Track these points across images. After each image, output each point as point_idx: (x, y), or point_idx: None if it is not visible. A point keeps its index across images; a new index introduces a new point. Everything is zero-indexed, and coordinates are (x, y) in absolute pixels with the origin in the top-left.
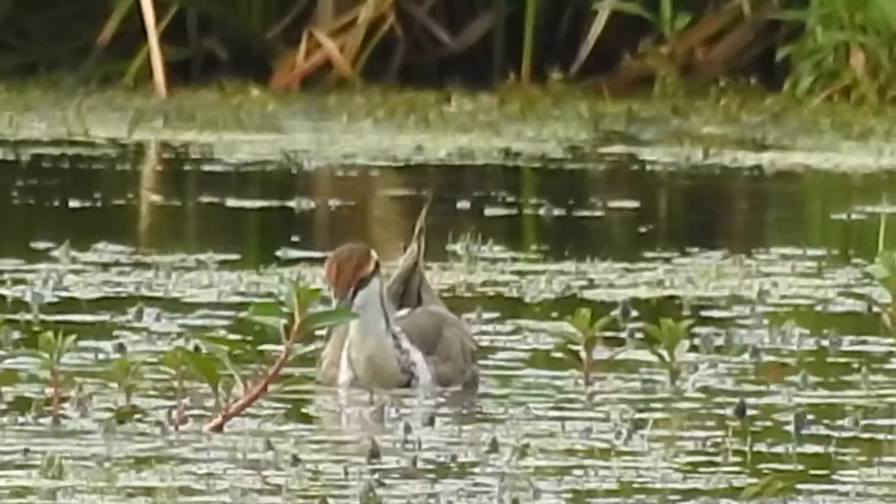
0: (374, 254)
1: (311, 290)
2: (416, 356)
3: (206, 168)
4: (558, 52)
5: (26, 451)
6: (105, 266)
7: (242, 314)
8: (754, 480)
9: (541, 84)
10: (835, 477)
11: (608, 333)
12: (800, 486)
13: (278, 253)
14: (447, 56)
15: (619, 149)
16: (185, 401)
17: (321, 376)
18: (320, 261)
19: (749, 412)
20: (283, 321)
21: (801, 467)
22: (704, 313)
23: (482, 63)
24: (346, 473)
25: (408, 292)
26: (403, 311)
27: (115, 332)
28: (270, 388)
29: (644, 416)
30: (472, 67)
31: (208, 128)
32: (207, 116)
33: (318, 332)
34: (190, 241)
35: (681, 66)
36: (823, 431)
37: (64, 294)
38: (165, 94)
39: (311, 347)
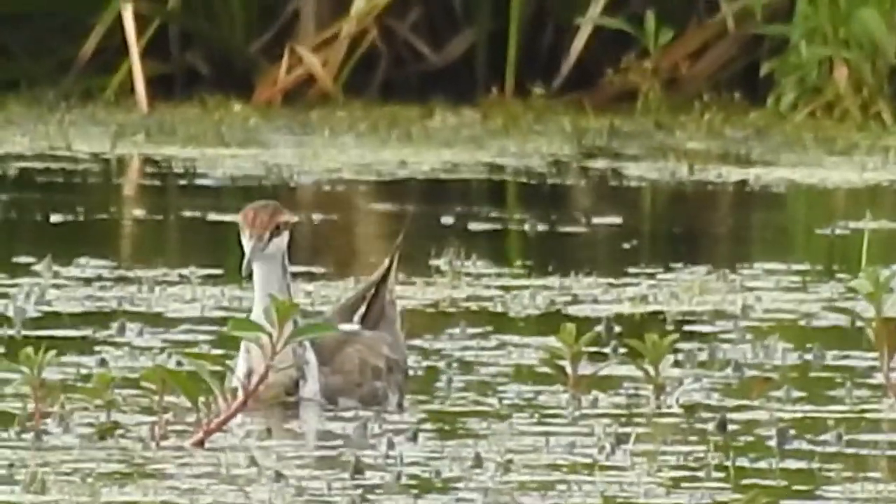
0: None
1: (291, 305)
2: (311, 356)
3: (187, 182)
4: (541, 67)
5: (10, 465)
6: (87, 281)
7: (225, 329)
8: (738, 496)
9: (523, 99)
10: (818, 492)
11: (593, 349)
12: (783, 502)
13: None
14: (429, 71)
15: (602, 164)
16: (167, 416)
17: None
18: (303, 275)
19: (732, 427)
20: (263, 336)
21: (784, 482)
22: (688, 328)
23: (465, 78)
24: (330, 489)
25: (369, 309)
26: (347, 326)
27: (98, 347)
28: (251, 403)
29: (628, 430)
30: (455, 82)
31: (190, 142)
32: (189, 131)
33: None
34: (172, 256)
35: (664, 80)
36: (807, 446)
37: (46, 309)
38: (147, 108)
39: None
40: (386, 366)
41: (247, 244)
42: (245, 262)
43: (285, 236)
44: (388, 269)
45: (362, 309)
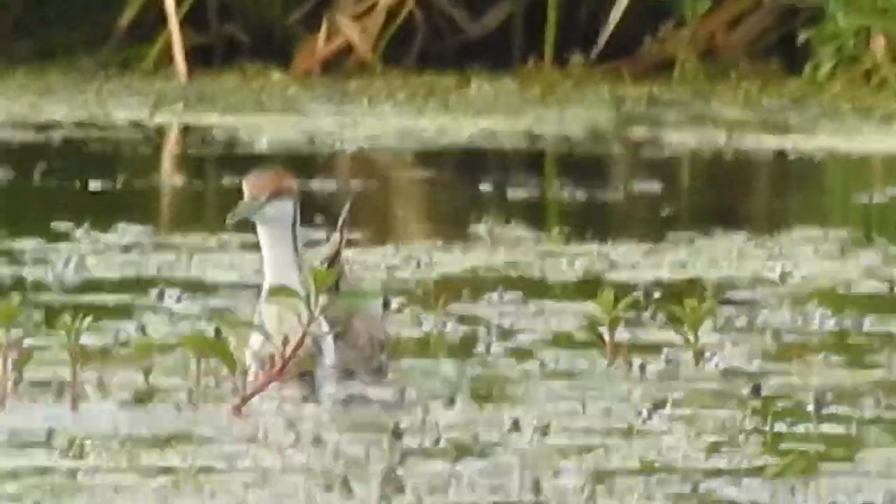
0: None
1: (329, 273)
2: (325, 328)
3: (227, 152)
4: (579, 36)
5: (49, 431)
6: (126, 248)
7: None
8: (776, 460)
9: (561, 68)
10: (856, 457)
11: (631, 315)
12: (821, 466)
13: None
14: (467, 41)
15: (640, 132)
16: (206, 382)
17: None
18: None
19: (769, 392)
20: (302, 304)
21: (822, 447)
22: (727, 295)
23: (502, 48)
24: (368, 453)
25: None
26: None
27: (136, 314)
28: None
29: (665, 395)
30: (492, 52)
31: (229, 111)
32: (229, 101)
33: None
34: (210, 224)
35: (701, 50)
36: (844, 412)
37: (85, 275)
38: (186, 78)
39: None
40: (386, 339)
41: (241, 204)
42: (231, 213)
43: (289, 204)
44: (338, 247)
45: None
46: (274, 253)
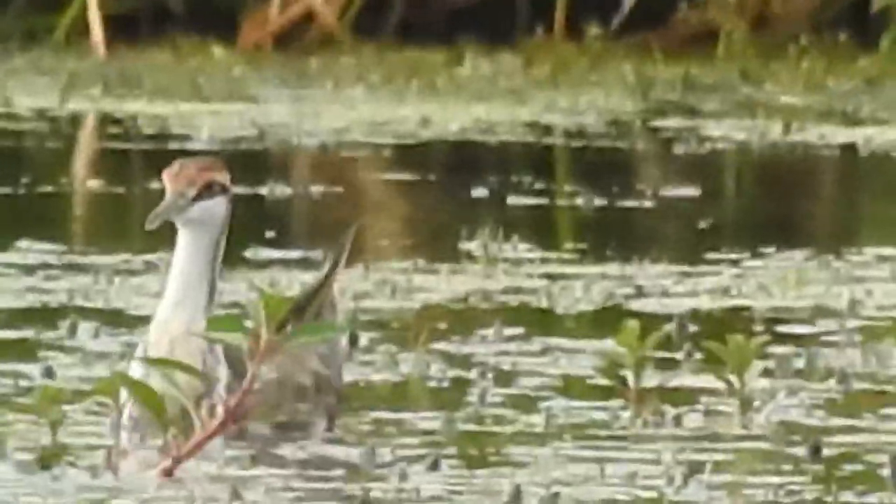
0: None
1: (284, 300)
2: (223, 370)
3: (157, 147)
4: (598, 1)
5: None
6: (30, 269)
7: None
8: None
9: (576, 41)
10: None
11: (661, 354)
12: None
13: (246, 253)
14: (458, 6)
15: (674, 122)
16: (127, 439)
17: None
18: (298, 263)
19: (834, 452)
20: (247, 339)
21: None
22: (781, 329)
23: (502, 15)
24: None
25: (301, 313)
26: None
27: (42, 353)
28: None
29: (703, 457)
30: (490, 21)
31: (159, 96)
32: (158, 82)
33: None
34: (136, 239)
35: (752, 18)
36: None
37: None
38: (105, 54)
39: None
40: (314, 384)
41: (165, 201)
42: (152, 214)
43: (220, 203)
44: (333, 267)
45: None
46: (188, 267)
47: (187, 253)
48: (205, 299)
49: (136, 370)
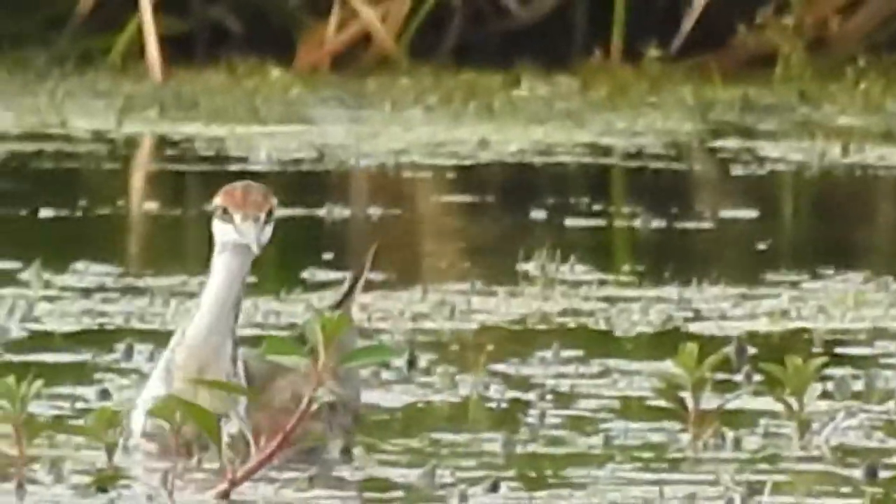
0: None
1: (342, 321)
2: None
3: (214, 168)
4: (656, 23)
5: None
6: (86, 292)
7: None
8: None
9: (634, 64)
10: None
11: (720, 376)
12: None
13: (304, 274)
14: (515, 29)
15: (732, 144)
16: (184, 461)
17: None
18: None
19: (892, 474)
20: (305, 361)
21: None
22: (840, 350)
23: (560, 38)
24: None
25: None
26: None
27: (98, 375)
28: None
29: (763, 478)
30: (547, 43)
31: (216, 118)
32: (215, 104)
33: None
34: (193, 261)
35: (809, 40)
36: None
37: (34, 327)
38: (161, 76)
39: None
40: (328, 404)
41: (242, 227)
42: (254, 237)
43: (271, 228)
44: (352, 286)
45: None
46: (224, 293)
47: (225, 278)
48: (235, 324)
49: (155, 388)
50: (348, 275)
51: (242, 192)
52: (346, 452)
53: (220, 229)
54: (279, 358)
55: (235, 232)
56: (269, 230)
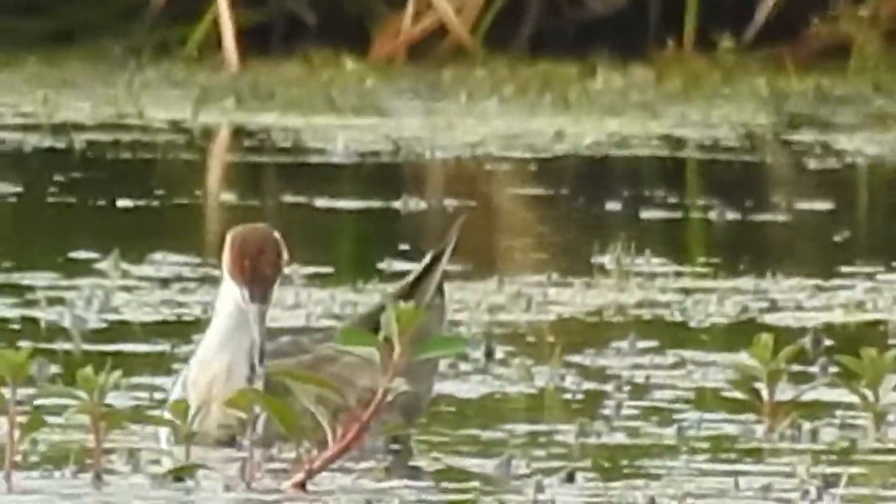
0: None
1: (416, 312)
2: (260, 386)
3: (291, 160)
4: (729, 13)
5: None
6: (164, 282)
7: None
8: None
9: (708, 54)
10: None
11: (795, 367)
12: None
13: (380, 265)
14: (590, 20)
15: (807, 136)
16: (261, 452)
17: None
18: None
19: None
20: (380, 352)
21: None
22: None
23: (634, 28)
24: None
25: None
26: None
27: (176, 366)
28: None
29: (838, 470)
30: (622, 34)
31: (292, 109)
32: (291, 95)
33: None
34: None
35: (885, 31)
36: None
37: (112, 317)
38: (238, 66)
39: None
40: (361, 402)
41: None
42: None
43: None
44: (428, 269)
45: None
46: (237, 314)
47: (235, 306)
48: (247, 343)
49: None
50: (430, 252)
51: (252, 265)
52: (392, 449)
53: (227, 285)
54: (353, 348)
55: (239, 300)
56: (275, 294)
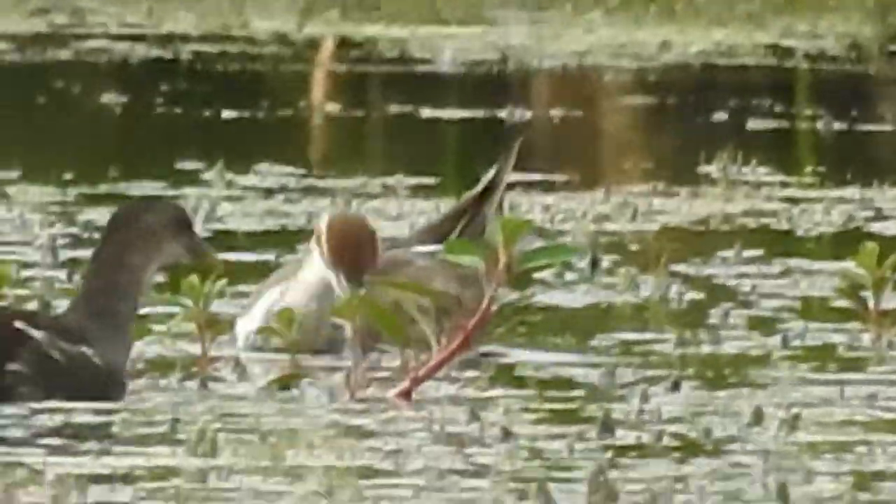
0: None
1: (522, 223)
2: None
3: (397, 70)
4: None
5: (174, 421)
6: (269, 192)
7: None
8: None
9: None
10: None
11: None
12: None
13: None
14: None
15: None
16: (366, 360)
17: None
18: (537, 185)
19: None
20: (485, 261)
21: None
22: None
23: None
24: (571, 451)
25: (461, 234)
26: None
27: None
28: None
29: None
30: None
31: (398, 19)
32: (396, 5)
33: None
34: (374, 162)
35: None
36: None
37: (217, 226)
38: None
39: (527, 293)
40: (436, 306)
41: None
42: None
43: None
44: (494, 181)
45: (455, 233)
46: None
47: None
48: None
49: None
50: (492, 169)
51: (350, 257)
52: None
53: (320, 264)
54: (458, 259)
55: (335, 284)
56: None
